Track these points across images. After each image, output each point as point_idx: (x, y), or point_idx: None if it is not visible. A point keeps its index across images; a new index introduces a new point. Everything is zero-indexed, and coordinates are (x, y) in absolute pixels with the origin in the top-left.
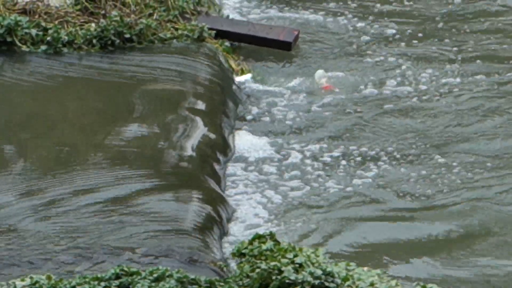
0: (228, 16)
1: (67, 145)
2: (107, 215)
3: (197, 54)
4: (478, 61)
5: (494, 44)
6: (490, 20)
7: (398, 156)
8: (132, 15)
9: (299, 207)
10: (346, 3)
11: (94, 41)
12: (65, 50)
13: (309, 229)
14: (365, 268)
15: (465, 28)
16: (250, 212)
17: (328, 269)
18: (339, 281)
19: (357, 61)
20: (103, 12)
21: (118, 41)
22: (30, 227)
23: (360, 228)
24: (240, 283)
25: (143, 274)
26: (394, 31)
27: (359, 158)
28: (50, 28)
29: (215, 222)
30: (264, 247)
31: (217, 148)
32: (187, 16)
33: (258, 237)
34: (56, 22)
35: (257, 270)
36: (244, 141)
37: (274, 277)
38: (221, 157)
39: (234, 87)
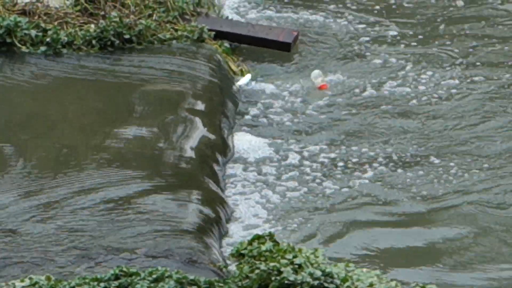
0: (227, 17)
1: (66, 146)
2: (106, 215)
3: (196, 55)
4: (478, 63)
5: (495, 47)
6: (491, 23)
7: (395, 157)
8: (132, 16)
9: (297, 207)
10: (346, 4)
11: (94, 42)
12: (64, 51)
13: (306, 230)
14: (364, 269)
15: (466, 30)
16: (249, 213)
17: (328, 270)
18: (338, 282)
19: (357, 62)
20: (102, 13)
21: (117, 42)
22: (29, 228)
23: (358, 230)
24: (240, 283)
25: (143, 274)
26: (394, 32)
27: (357, 160)
28: (50, 29)
29: (214, 223)
30: (263, 247)
31: (217, 149)
32: (187, 17)
33: (257, 237)
34: (56, 23)
35: (257, 271)
36: (243, 142)
37: (273, 278)
38: (220, 158)
39: (233, 87)
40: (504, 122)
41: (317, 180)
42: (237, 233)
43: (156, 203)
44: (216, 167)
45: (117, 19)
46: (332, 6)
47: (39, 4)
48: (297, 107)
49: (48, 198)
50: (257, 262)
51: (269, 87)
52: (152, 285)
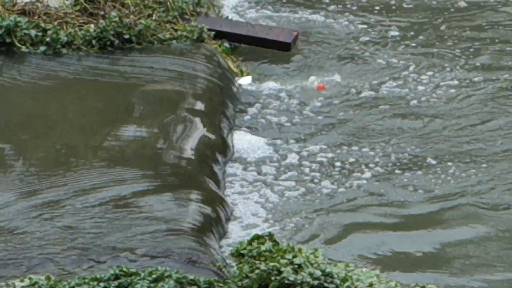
0: (227, 17)
1: (66, 146)
2: (106, 215)
3: (196, 55)
4: (478, 64)
5: (495, 48)
6: (492, 24)
7: (394, 158)
8: (131, 16)
9: (296, 207)
10: (346, 4)
11: (93, 41)
12: (64, 51)
13: (305, 231)
14: (364, 269)
15: (467, 31)
16: (249, 212)
17: (327, 270)
18: (338, 281)
19: (356, 62)
20: (102, 13)
21: (117, 41)
22: (29, 228)
23: (356, 230)
24: (239, 283)
25: (142, 274)
26: (395, 33)
27: (356, 160)
28: (49, 29)
29: (214, 223)
30: (263, 247)
31: (216, 149)
32: (187, 17)
33: (257, 237)
34: (55, 23)
35: (256, 270)
36: (243, 141)
37: (273, 278)
38: (220, 158)
39: (233, 88)
40: (504, 123)
41: (316, 180)
42: (236, 233)
43: (156, 203)
44: (216, 167)
45: (117, 19)
46: (332, 6)
47: (38, 4)
48: (296, 107)
49: (47, 198)
50: (257, 262)
51: (268, 87)
52: (151, 285)
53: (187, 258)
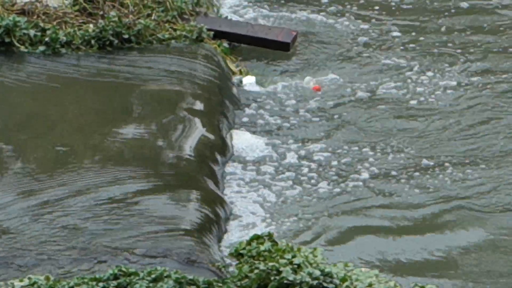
0: (226, 17)
1: (65, 146)
2: (105, 215)
3: (195, 54)
4: (479, 63)
5: (496, 48)
6: (493, 25)
7: (393, 158)
8: (131, 16)
9: (294, 206)
10: (346, 4)
11: (93, 41)
12: (63, 50)
13: (302, 229)
14: (363, 269)
15: (467, 31)
16: (248, 212)
17: (327, 270)
18: (337, 281)
19: (356, 62)
20: (101, 12)
21: (116, 41)
22: (28, 227)
23: (356, 231)
24: (239, 283)
25: (141, 274)
26: (394, 33)
27: (353, 160)
28: (49, 29)
29: (213, 223)
30: (262, 247)
31: (215, 149)
32: (186, 16)
33: (256, 237)
34: (55, 22)
35: (256, 270)
36: (242, 141)
37: (272, 278)
38: (219, 158)
39: (232, 87)
40: (504, 124)
41: (313, 181)
42: (236, 233)
43: (155, 203)
44: (215, 167)
45: (116, 19)
46: (332, 7)
47: (38, 4)
48: (295, 107)
49: (46, 198)
50: (256, 262)
51: (268, 87)
52: (151, 285)
53: (186, 258)
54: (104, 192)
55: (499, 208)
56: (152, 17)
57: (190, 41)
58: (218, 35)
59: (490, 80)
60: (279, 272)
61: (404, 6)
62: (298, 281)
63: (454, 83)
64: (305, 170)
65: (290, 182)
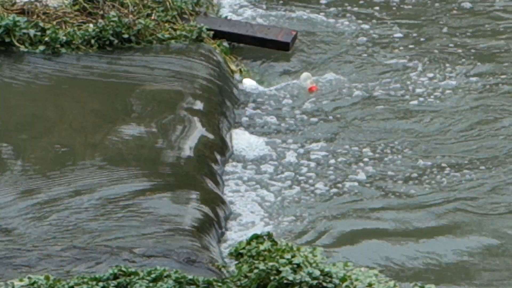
0: (226, 17)
1: (65, 146)
2: (105, 215)
3: (195, 54)
4: (479, 63)
5: (496, 49)
6: (493, 25)
7: (392, 159)
8: (130, 16)
9: (293, 206)
10: (346, 4)
11: (92, 41)
12: (63, 50)
13: (300, 229)
14: (363, 269)
15: (468, 32)
16: (247, 211)
17: (326, 270)
18: (337, 281)
19: (356, 62)
20: (101, 12)
21: (116, 41)
22: (28, 227)
23: (351, 232)
24: (238, 283)
25: (141, 274)
26: (395, 33)
27: (352, 160)
28: (48, 29)
29: (213, 222)
30: (262, 247)
31: (215, 148)
32: (186, 16)
33: (255, 237)
34: (54, 22)
35: (255, 270)
36: (242, 141)
37: (272, 278)
38: (218, 157)
39: (232, 87)
40: (505, 124)
41: (310, 181)
42: (235, 233)
43: (155, 202)
44: (214, 167)
45: (116, 19)
46: (332, 7)
47: (37, 4)
48: (294, 107)
49: (46, 198)
50: (256, 261)
51: (267, 87)
52: (150, 284)
53: (186, 258)
54: (104, 192)
55: (498, 210)
56: (152, 17)
57: (190, 41)
58: (218, 35)
59: (489, 81)
60: (278, 272)
61: (405, 6)
62: (297, 281)
63: (454, 83)
64: (304, 169)
65: (289, 182)
